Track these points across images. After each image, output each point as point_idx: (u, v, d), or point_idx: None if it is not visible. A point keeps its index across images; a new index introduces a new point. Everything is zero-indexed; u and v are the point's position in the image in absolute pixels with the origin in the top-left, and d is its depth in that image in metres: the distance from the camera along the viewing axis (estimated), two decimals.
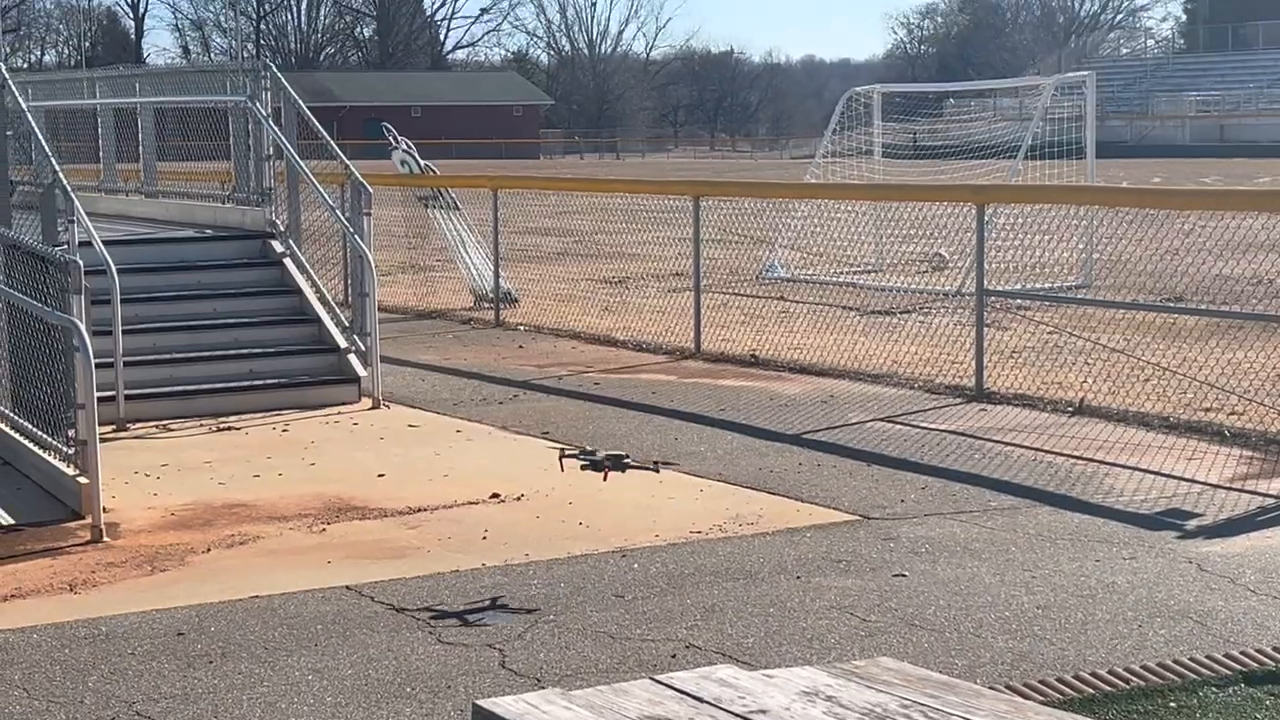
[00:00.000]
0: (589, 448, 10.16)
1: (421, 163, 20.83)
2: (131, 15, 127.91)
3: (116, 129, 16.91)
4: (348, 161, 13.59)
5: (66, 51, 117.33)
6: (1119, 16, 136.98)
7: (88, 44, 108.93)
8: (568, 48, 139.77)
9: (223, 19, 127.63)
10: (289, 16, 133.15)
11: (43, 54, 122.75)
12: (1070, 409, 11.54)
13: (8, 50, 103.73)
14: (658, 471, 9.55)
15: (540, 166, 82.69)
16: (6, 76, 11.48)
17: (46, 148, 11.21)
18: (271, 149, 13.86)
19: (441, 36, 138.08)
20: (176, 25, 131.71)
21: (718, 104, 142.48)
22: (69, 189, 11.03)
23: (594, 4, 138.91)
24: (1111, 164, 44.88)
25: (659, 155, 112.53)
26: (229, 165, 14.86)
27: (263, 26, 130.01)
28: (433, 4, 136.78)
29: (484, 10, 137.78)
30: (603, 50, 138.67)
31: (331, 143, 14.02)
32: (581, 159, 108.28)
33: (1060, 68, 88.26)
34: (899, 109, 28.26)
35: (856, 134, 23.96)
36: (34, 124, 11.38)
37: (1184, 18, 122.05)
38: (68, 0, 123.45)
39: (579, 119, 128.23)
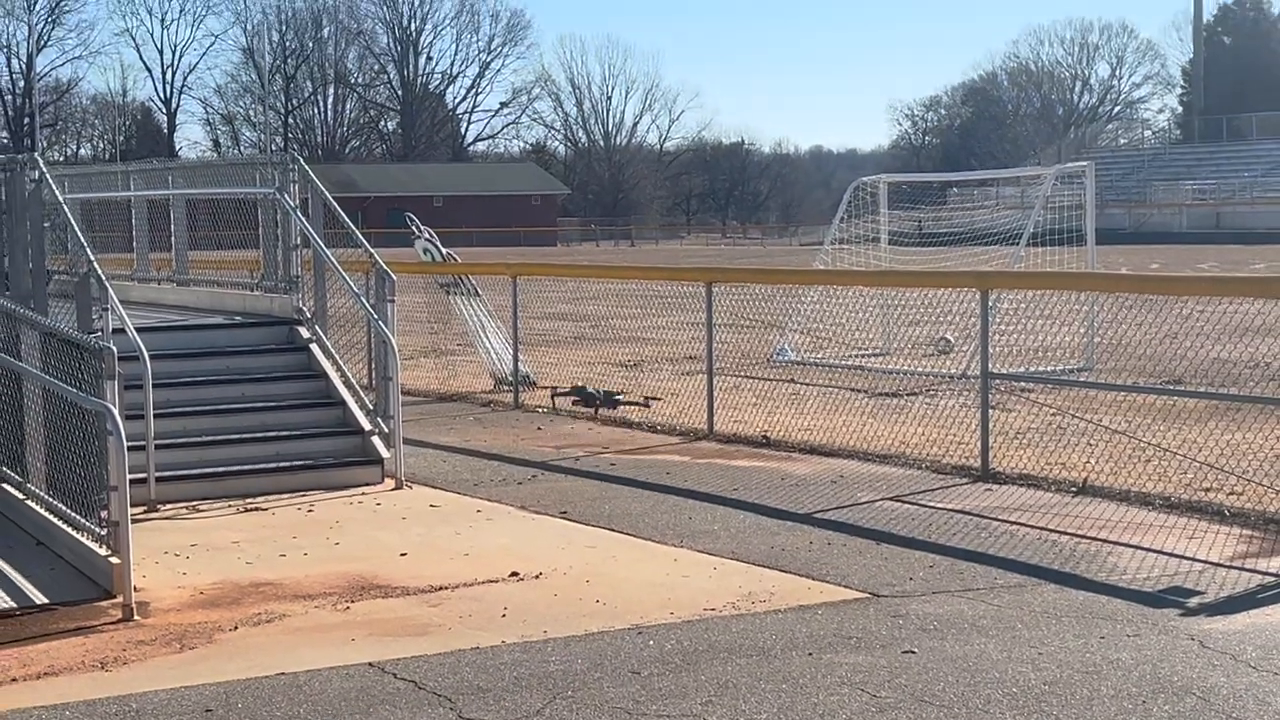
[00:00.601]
0: (579, 384, 10.07)
1: (443, 251, 20.92)
2: (164, 110, 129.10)
3: (149, 219, 17.01)
4: (372, 250, 13.66)
5: (102, 145, 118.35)
6: (1117, 108, 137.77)
7: (122, 138, 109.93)
8: (584, 140, 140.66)
9: (252, 114, 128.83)
10: (316, 111, 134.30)
11: (79, 147, 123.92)
12: (1074, 489, 11.50)
13: (45, 144, 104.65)
14: (648, 406, 9.48)
15: (558, 254, 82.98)
16: (44, 170, 11.56)
17: (82, 238, 11.27)
18: (299, 238, 13.93)
19: (463, 129, 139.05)
20: (208, 120, 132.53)
21: (729, 193, 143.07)
22: (103, 278, 11.08)
23: (609, 98, 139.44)
24: (1111, 250, 44.96)
25: (672, 242, 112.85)
26: (258, 254, 14.93)
27: (291, 121, 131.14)
28: (454, 98, 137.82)
29: (504, 104, 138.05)
30: (618, 142, 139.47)
31: (356, 232, 14.08)
32: (598, 246, 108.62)
33: (1060, 158, 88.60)
34: (904, 198, 28.34)
35: (864, 222, 24.03)
36: (70, 215, 11.44)
37: (1180, 109, 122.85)
38: (103, 95, 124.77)
39: (595, 208, 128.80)
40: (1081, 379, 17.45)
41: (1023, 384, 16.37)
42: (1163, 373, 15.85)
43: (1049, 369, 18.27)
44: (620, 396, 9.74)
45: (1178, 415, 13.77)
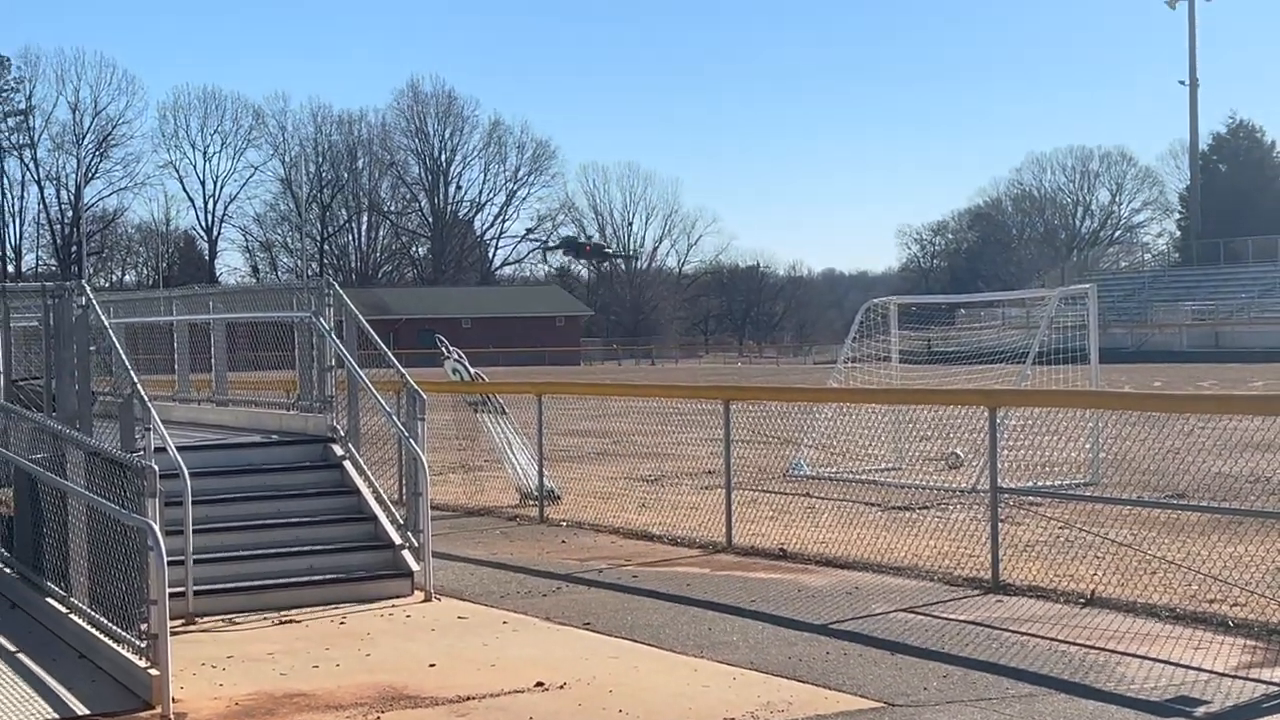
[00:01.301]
0: (570, 235, 9.91)
1: (471, 370, 20.98)
2: (206, 238, 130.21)
3: (190, 342, 17.11)
4: (403, 370, 13.71)
5: (146, 271, 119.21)
6: (1118, 232, 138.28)
7: (165, 264, 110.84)
8: (606, 264, 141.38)
9: (290, 241, 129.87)
10: (351, 237, 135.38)
11: (124, 274, 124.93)
12: (1082, 600, 11.41)
13: (91, 271, 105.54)
14: (636, 259, 9.28)
15: (581, 372, 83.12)
16: (91, 296, 11.66)
17: (126, 361, 11.34)
18: (333, 360, 13.99)
19: (490, 254, 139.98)
20: (247, 247, 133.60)
21: (746, 313, 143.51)
22: (146, 399, 11.13)
23: (630, 223, 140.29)
24: (1114, 369, 44.89)
25: (691, 361, 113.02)
26: (294, 375, 14.99)
27: (327, 247, 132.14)
28: (483, 225, 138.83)
29: (529, 230, 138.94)
30: (639, 265, 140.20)
31: (388, 353, 14.15)
32: (619, 365, 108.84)
33: (1064, 280, 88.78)
34: (914, 318, 28.40)
35: (875, 341, 24.05)
36: (115, 339, 11.52)
37: (1178, 233, 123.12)
38: (148, 224, 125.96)
39: (617, 328, 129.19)
40: (1088, 493, 17.36)
41: (1031, 498, 16.29)
42: (1166, 487, 15.76)
43: (1056, 483, 18.18)
44: (608, 249, 9.61)
45: (1182, 528, 13.68)
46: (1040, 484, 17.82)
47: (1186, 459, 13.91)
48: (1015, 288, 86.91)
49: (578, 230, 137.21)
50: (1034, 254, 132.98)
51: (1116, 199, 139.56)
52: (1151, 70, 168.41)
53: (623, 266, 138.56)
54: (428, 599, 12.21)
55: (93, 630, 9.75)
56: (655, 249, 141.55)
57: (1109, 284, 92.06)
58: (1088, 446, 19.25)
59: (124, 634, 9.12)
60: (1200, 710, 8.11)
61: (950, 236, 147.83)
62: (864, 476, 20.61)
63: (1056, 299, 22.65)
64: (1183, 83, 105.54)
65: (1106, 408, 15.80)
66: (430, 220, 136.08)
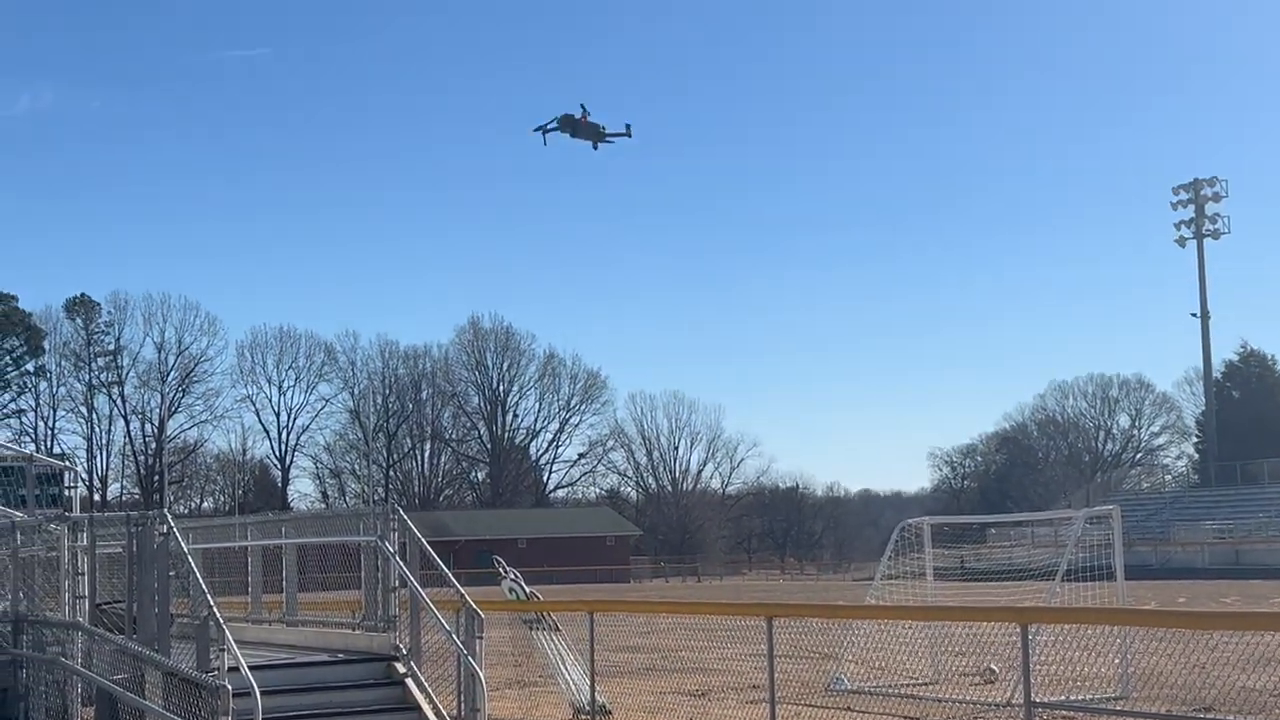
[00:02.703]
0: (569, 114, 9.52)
1: (526, 589, 20.88)
2: (279, 466, 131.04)
3: (263, 565, 17.15)
4: (463, 591, 13.68)
5: (222, 499, 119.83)
6: (1139, 455, 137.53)
7: (241, 492, 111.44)
8: (654, 485, 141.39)
9: (357, 468, 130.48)
10: (414, 464, 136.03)
11: (202, 501, 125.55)
12: None
13: (171, 499, 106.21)
14: (629, 136, 8.95)
15: (630, 590, 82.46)
16: (172, 524, 11.74)
17: (203, 585, 11.37)
18: (397, 580, 13.98)
19: (545, 478, 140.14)
20: (317, 474, 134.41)
21: (786, 532, 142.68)
22: (221, 621, 11.12)
23: (676, 448, 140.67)
24: (1139, 586, 44.25)
25: (735, 578, 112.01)
26: (359, 595, 14.96)
27: (391, 473, 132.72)
28: (537, 451, 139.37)
29: (581, 455, 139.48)
30: (685, 487, 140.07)
31: (449, 574, 14.14)
32: (667, 582, 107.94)
33: (1089, 501, 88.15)
34: (947, 537, 28.23)
35: (910, 559, 23.85)
36: (193, 564, 11.57)
37: (1197, 456, 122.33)
38: (225, 454, 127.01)
39: (664, 547, 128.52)
40: (1119, 707, 16.97)
41: (1064, 712, 15.95)
42: (1194, 700, 15.42)
43: (1088, 698, 17.80)
44: (604, 129, 9.46)
45: None
46: (1073, 698, 17.44)
47: (1212, 673, 13.65)
48: (1042, 508, 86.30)
49: (627, 453, 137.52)
50: (1060, 475, 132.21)
51: (1136, 423, 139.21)
52: (1166, 302, 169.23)
53: (667, 484, 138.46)
54: None
55: None
56: (700, 471, 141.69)
57: (1132, 504, 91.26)
58: (1117, 661, 18.89)
59: None
60: None
61: (979, 459, 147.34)
62: (902, 691, 20.25)
63: (1082, 519, 22.47)
64: (1195, 315, 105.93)
65: (1134, 624, 15.55)
66: (489, 447, 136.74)
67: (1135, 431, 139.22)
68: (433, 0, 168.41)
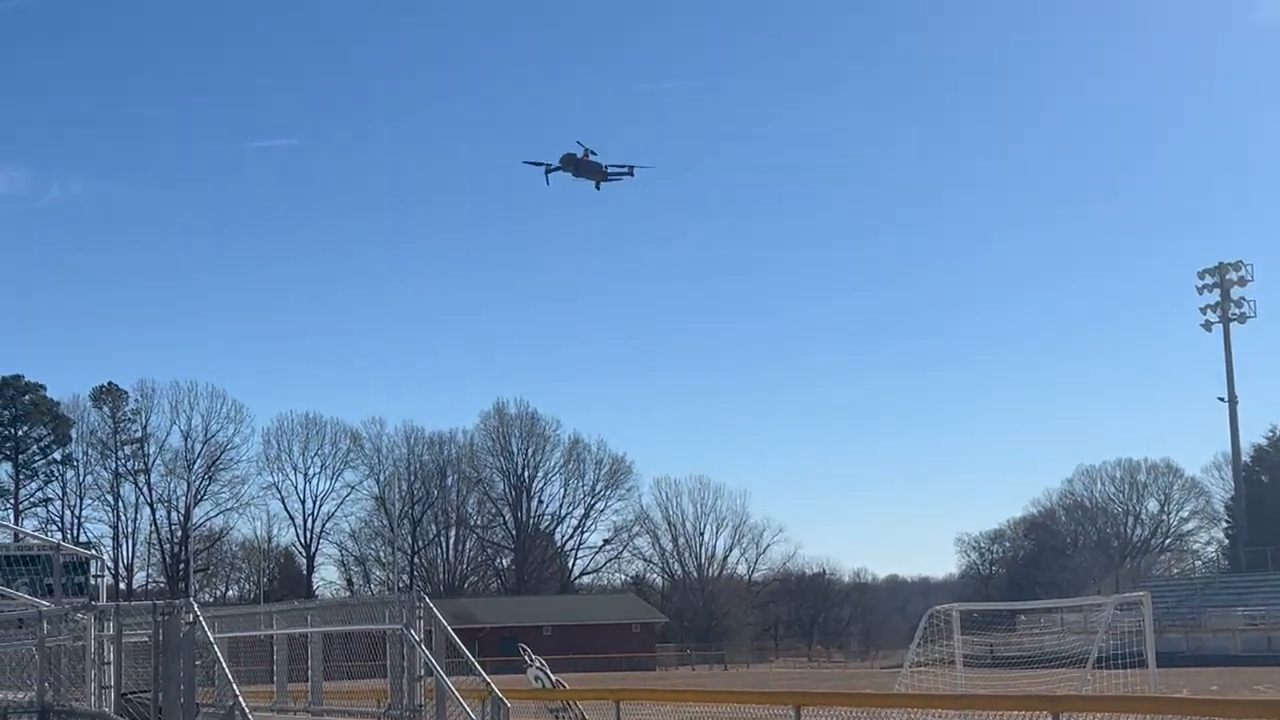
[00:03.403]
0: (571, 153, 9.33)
1: (552, 677, 20.76)
2: (304, 554, 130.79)
3: (289, 653, 17.09)
4: (489, 679, 13.61)
5: (248, 586, 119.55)
6: (1168, 540, 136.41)
7: (266, 579, 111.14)
8: (679, 571, 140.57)
9: (382, 555, 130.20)
10: (439, 550, 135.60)
11: (227, 589, 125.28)
12: None
13: (196, 587, 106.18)
14: (632, 175, 8.86)
15: (656, 678, 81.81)
16: (198, 613, 11.71)
17: (229, 674, 11.33)
18: (423, 669, 13.91)
19: (570, 564, 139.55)
20: (342, 561, 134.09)
21: (813, 619, 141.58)
22: (246, 711, 11.07)
23: (702, 533, 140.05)
24: (1171, 672, 43.66)
25: (762, 665, 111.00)
26: (385, 683, 14.89)
27: (416, 560, 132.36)
28: (563, 537, 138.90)
29: (606, 541, 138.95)
30: (710, 573, 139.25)
31: (475, 663, 14.07)
32: (693, 670, 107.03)
33: (1119, 587, 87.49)
34: (976, 624, 28.00)
35: (939, 646, 23.67)
36: (219, 653, 11.53)
37: (1227, 541, 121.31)
38: (250, 541, 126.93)
39: (690, 634, 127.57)
40: None
41: None
42: None
43: None
44: (608, 167, 9.29)
45: None
46: None
47: None
48: (1072, 594, 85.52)
49: (652, 539, 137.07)
50: (1088, 561, 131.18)
51: (1165, 508, 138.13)
52: (1193, 386, 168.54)
53: (693, 570, 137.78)
54: None
55: None
56: (725, 557, 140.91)
57: (1162, 590, 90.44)
58: None
59: None
60: None
61: (1007, 544, 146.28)
62: None
63: (1113, 606, 22.31)
64: (1222, 399, 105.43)
65: (1168, 712, 15.35)
66: (514, 533, 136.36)
67: (1164, 516, 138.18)
68: (452, 86, 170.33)
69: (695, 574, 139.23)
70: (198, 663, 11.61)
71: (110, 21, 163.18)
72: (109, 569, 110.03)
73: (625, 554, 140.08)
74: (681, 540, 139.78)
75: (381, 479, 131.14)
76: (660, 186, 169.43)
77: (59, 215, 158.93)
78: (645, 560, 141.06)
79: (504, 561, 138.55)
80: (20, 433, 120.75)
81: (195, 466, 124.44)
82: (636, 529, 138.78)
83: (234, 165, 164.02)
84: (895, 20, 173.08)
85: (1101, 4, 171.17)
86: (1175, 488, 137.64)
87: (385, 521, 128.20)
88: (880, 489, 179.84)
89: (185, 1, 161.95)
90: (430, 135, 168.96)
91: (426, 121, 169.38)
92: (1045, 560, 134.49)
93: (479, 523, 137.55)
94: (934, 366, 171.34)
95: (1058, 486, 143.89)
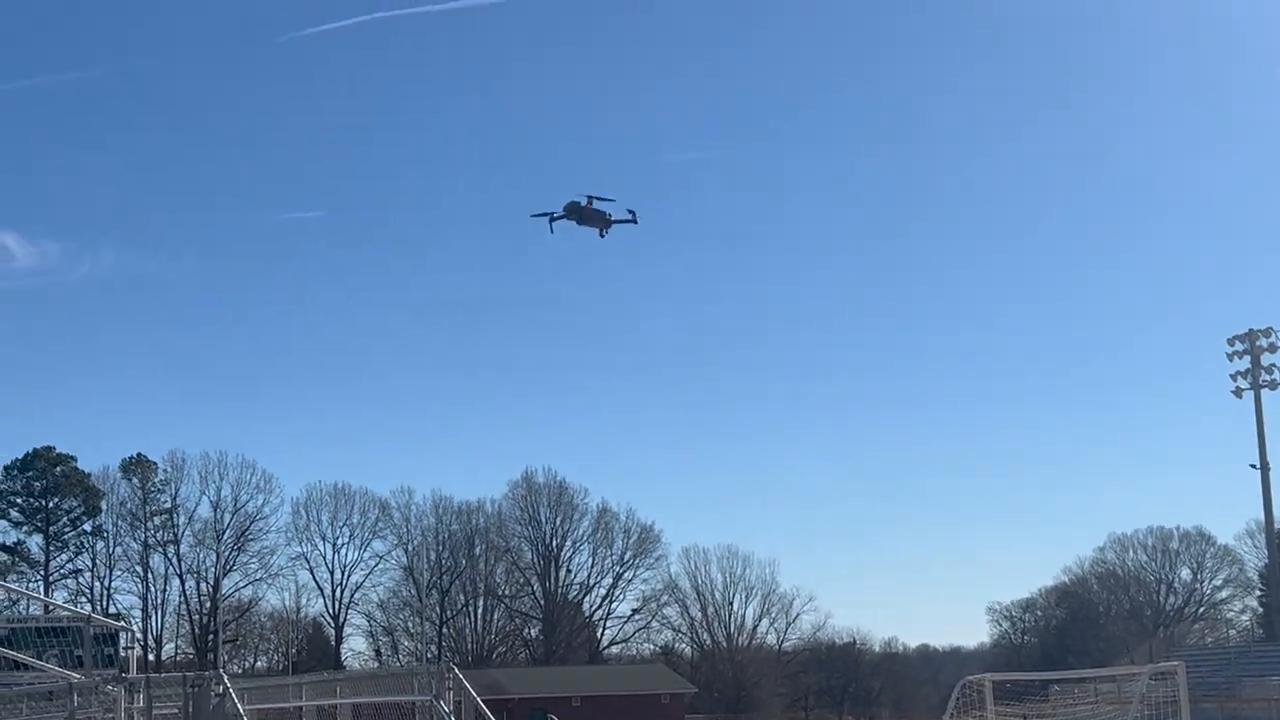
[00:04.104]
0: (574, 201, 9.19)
1: None
2: (332, 624, 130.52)
3: None
4: None
5: (276, 657, 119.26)
6: (1201, 609, 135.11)
7: (295, 650, 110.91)
8: (709, 641, 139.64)
9: (411, 625, 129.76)
10: (467, 620, 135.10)
11: (255, 659, 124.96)
12: None
13: (225, 658, 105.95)
14: (635, 221, 8.70)
15: None
16: (228, 684, 11.70)
17: None
18: None
19: (598, 634, 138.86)
20: (371, 631, 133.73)
21: (844, 689, 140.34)
22: None
23: (731, 602, 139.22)
24: None
25: None
26: None
27: (445, 630, 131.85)
28: (591, 606, 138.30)
29: (635, 611, 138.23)
30: (740, 643, 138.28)
31: None
32: None
33: (1152, 656, 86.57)
34: (1009, 694, 27.72)
35: (972, 717, 23.44)
36: None
37: (1260, 610, 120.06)
38: (279, 612, 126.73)
39: (719, 704, 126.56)
40: None
41: None
42: None
43: None
44: (611, 216, 9.12)
45: None
46: None
47: None
48: (1104, 663, 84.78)
49: (681, 608, 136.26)
50: (1121, 630, 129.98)
51: (1198, 577, 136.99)
52: (1224, 453, 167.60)
53: (723, 640, 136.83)
54: None
55: None
56: (755, 627, 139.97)
57: (1196, 659, 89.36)
58: None
59: None
60: None
61: (1039, 613, 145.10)
62: None
63: (1147, 675, 22.07)
64: (1254, 466, 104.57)
65: None
66: (542, 602, 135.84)
67: (1197, 585, 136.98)
68: (477, 159, 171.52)
69: (725, 643, 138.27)
70: None
71: (140, 106, 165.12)
72: (139, 640, 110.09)
73: (654, 623, 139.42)
74: (710, 609, 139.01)
75: (410, 549, 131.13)
76: (687, 253, 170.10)
77: (90, 288, 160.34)
78: (674, 630, 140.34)
79: (532, 631, 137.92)
80: (51, 504, 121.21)
81: (224, 537, 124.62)
82: (665, 598, 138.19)
83: (262, 236, 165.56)
84: (908, 116, 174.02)
85: (1132, 68, 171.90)
86: (1208, 555, 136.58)
87: (414, 591, 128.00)
88: (911, 558, 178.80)
89: (210, 88, 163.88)
90: (455, 205, 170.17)
91: (451, 192, 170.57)
92: (1078, 629, 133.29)
93: (507, 592, 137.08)
94: (965, 435, 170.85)
95: (1090, 555, 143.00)
